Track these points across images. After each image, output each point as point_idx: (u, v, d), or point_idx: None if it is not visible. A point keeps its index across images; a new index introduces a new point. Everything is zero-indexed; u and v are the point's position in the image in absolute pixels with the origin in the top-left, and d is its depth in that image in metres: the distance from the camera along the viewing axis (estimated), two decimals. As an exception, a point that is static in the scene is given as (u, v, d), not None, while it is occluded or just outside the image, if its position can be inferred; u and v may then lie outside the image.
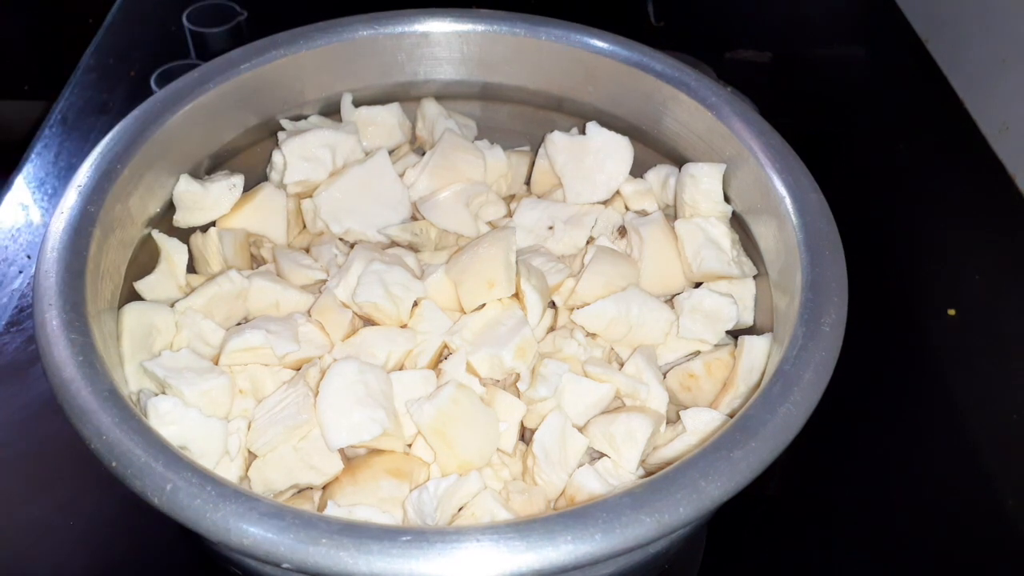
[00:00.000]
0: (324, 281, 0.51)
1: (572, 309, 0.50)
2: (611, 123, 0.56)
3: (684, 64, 0.53)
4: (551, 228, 0.54)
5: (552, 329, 0.51)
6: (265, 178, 0.57)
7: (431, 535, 0.33)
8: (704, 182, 0.52)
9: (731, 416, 0.43)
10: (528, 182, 0.60)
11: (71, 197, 0.44)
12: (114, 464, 0.35)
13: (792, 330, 0.41)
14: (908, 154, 0.80)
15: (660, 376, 0.49)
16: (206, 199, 0.52)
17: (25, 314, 0.63)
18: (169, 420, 0.41)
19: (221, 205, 0.53)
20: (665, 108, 0.54)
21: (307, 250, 0.54)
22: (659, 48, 0.54)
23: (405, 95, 0.59)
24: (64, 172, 0.74)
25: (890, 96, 0.86)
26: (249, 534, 0.33)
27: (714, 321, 0.49)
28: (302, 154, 0.54)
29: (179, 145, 0.50)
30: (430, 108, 0.59)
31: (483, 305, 0.49)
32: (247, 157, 0.56)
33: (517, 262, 0.48)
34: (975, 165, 0.78)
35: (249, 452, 0.45)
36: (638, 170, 0.56)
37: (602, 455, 0.45)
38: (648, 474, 0.45)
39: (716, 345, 0.50)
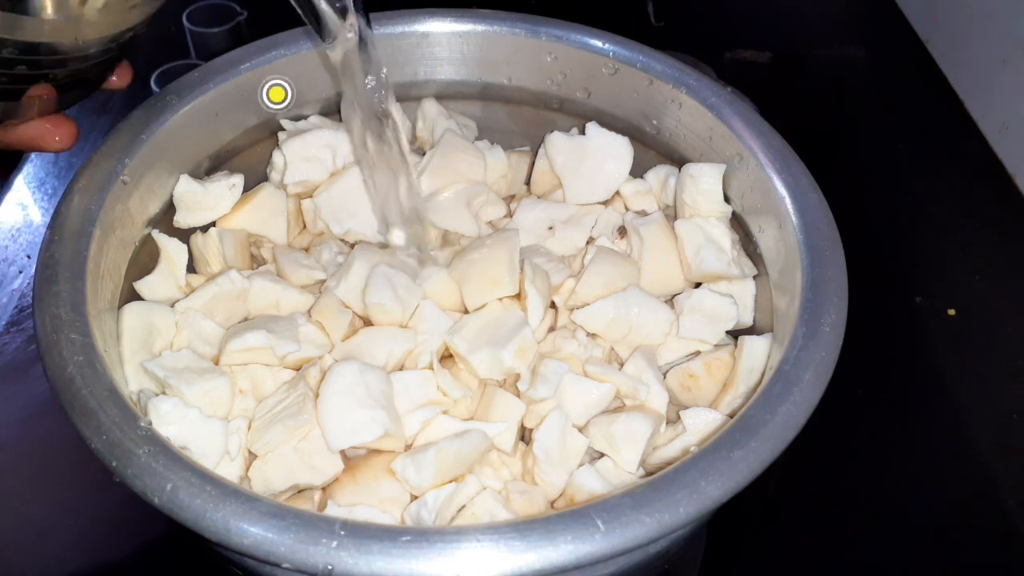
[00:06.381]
0: (324, 281, 0.51)
1: (572, 309, 0.50)
2: (611, 123, 0.56)
3: (684, 64, 0.53)
4: (551, 228, 0.54)
5: (552, 329, 0.51)
6: (265, 178, 0.57)
7: (431, 535, 0.33)
8: (704, 182, 0.51)
9: (731, 416, 0.43)
10: (528, 182, 0.60)
11: (71, 197, 0.44)
12: (114, 464, 0.35)
13: (792, 330, 0.41)
14: (908, 154, 0.80)
15: (660, 376, 0.49)
16: (206, 199, 0.52)
17: (25, 314, 0.63)
18: (169, 420, 0.41)
19: (221, 205, 0.53)
20: (665, 108, 0.54)
21: (307, 250, 0.54)
22: (659, 48, 0.54)
23: (405, 95, 0.59)
24: (64, 172, 0.74)
25: (890, 96, 0.86)
26: (249, 534, 0.33)
27: (714, 321, 0.49)
28: (302, 154, 0.54)
29: (179, 145, 0.50)
30: (430, 108, 0.59)
31: (484, 305, 0.49)
32: (247, 157, 0.56)
33: (522, 262, 0.48)
34: (975, 165, 0.78)
35: (249, 452, 0.45)
36: (638, 170, 0.56)
37: (602, 455, 0.45)
38: (648, 474, 0.45)
39: (716, 345, 0.50)
